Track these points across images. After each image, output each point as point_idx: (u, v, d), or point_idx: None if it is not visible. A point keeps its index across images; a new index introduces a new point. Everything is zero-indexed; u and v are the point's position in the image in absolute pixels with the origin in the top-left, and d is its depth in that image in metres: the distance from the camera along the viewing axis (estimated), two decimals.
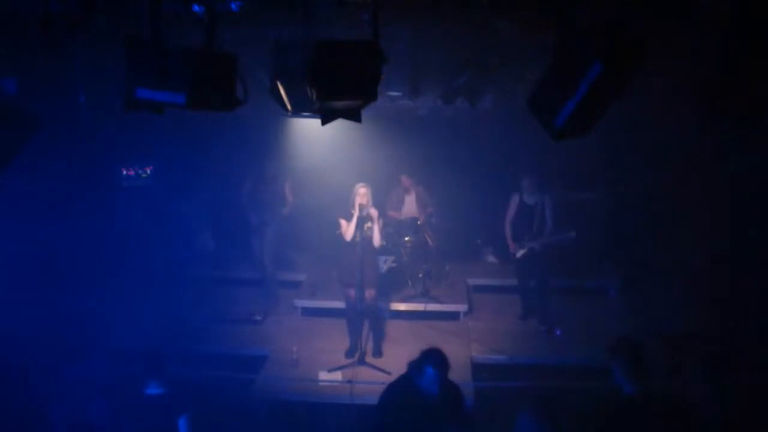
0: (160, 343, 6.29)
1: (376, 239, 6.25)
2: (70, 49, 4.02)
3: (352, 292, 6.31)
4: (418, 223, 7.95)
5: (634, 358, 3.58)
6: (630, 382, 3.51)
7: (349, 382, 5.87)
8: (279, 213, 7.65)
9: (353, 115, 3.34)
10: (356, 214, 6.06)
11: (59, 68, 4.51)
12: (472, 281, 8.36)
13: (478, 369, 6.34)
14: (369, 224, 6.18)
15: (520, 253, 7.15)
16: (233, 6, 3.46)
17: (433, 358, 3.83)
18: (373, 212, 6.16)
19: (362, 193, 6.09)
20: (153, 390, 3.97)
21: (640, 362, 3.57)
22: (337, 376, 5.98)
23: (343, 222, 6.22)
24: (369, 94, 3.17)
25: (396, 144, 8.06)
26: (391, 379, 4.34)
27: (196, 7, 3.28)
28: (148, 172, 7.91)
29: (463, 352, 6.57)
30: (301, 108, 3.55)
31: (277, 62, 3.42)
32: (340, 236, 6.23)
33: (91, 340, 6.28)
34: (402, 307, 7.54)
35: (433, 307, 7.52)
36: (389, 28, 3.35)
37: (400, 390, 3.97)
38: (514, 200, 7.19)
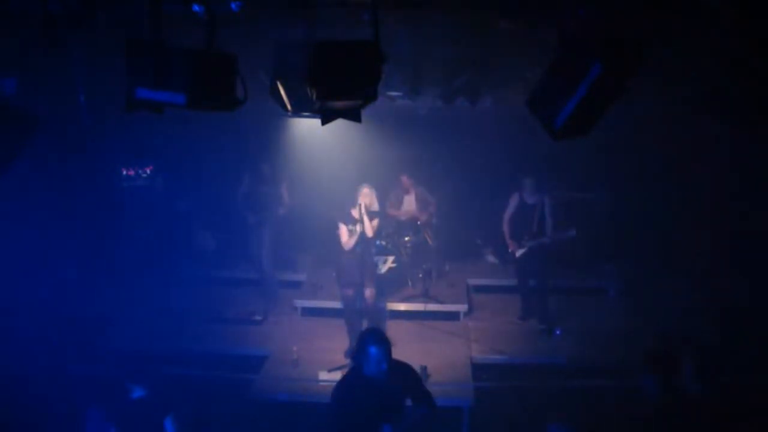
0: (157, 343, 6.30)
1: (368, 231, 6.15)
2: (71, 49, 4.02)
3: (350, 292, 6.30)
4: (419, 223, 7.95)
5: (671, 371, 3.53)
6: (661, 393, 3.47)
7: None
8: (276, 213, 7.64)
9: (353, 115, 3.34)
10: (359, 217, 6.03)
11: (59, 68, 4.51)
12: (472, 281, 8.36)
13: (478, 369, 6.33)
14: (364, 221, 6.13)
15: (519, 253, 7.15)
16: (233, 6, 3.45)
17: (372, 337, 3.72)
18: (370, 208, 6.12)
19: (366, 194, 6.08)
20: (137, 393, 3.92)
21: (677, 373, 3.52)
22: (337, 376, 5.96)
23: (343, 228, 6.19)
24: (369, 94, 3.17)
25: (396, 144, 8.06)
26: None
27: (196, 8, 3.28)
28: (148, 172, 7.91)
29: (463, 352, 6.57)
30: (301, 108, 3.54)
31: (277, 62, 3.42)
32: (339, 240, 6.21)
33: (90, 340, 6.28)
34: (402, 307, 7.54)
35: (433, 307, 7.51)
36: (389, 28, 3.35)
37: (351, 384, 3.83)
38: (514, 199, 7.19)
